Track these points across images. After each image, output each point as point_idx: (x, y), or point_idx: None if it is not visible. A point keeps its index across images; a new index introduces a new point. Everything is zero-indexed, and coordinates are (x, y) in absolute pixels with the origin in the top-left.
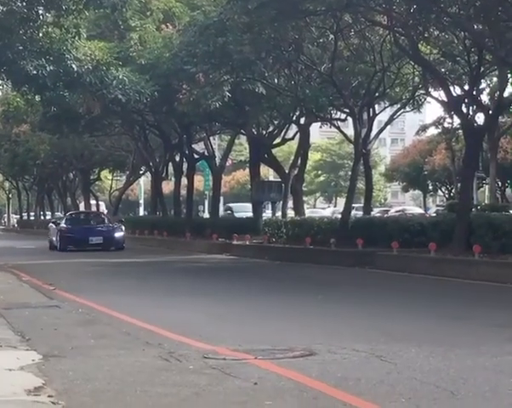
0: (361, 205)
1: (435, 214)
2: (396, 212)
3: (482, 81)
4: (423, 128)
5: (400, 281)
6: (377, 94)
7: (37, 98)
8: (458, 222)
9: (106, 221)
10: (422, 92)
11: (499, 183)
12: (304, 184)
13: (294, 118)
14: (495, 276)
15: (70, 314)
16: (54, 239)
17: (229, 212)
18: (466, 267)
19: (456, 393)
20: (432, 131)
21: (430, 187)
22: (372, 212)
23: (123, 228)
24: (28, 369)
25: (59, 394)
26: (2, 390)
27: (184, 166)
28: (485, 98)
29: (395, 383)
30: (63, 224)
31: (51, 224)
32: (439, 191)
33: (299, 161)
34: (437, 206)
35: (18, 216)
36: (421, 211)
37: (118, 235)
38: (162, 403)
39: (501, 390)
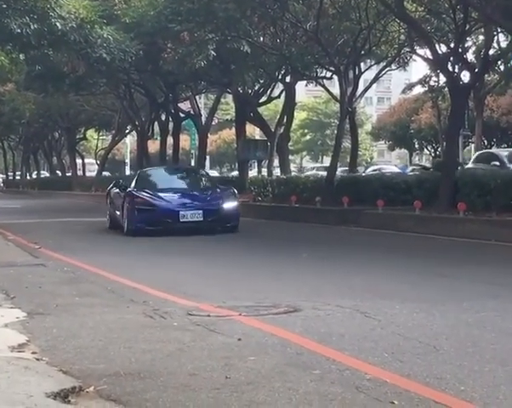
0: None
1: (411, 174)
2: (373, 171)
3: (468, 39)
4: (410, 87)
5: (385, 239)
6: (362, 52)
7: (22, 56)
8: (444, 180)
9: (206, 182)
10: (407, 50)
11: (485, 141)
12: (290, 143)
13: (280, 77)
14: (480, 234)
15: (55, 272)
16: (119, 213)
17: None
18: (451, 224)
19: (438, 348)
20: (418, 89)
21: (416, 146)
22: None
23: (236, 193)
24: (12, 326)
25: (42, 351)
26: None
27: (170, 125)
28: (470, 56)
29: (378, 339)
30: (134, 190)
31: (113, 188)
32: (425, 150)
33: (285, 120)
34: (413, 165)
35: (3, 176)
36: (398, 170)
37: (229, 206)
38: (145, 359)
39: (483, 345)
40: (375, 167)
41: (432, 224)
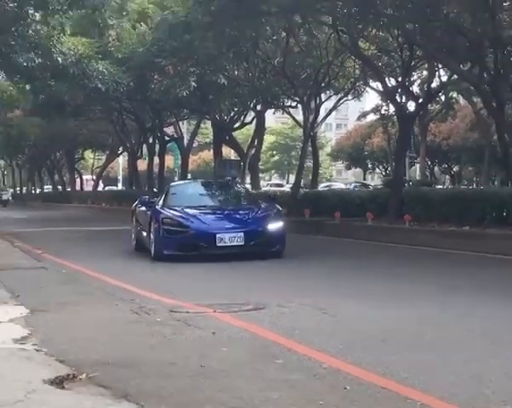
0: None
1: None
2: (324, 187)
3: (413, 73)
4: (364, 115)
5: (341, 246)
6: (323, 85)
7: (28, 86)
8: (392, 195)
9: (246, 198)
10: (361, 83)
11: (428, 162)
12: (260, 163)
13: (252, 105)
14: (423, 241)
15: (55, 274)
16: (145, 234)
17: None
18: (399, 234)
19: (386, 340)
20: (371, 117)
21: (370, 165)
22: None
23: (281, 210)
24: (16, 321)
25: (42, 343)
26: None
27: (157, 147)
28: (415, 88)
29: (334, 332)
30: (162, 208)
31: (138, 205)
32: (377, 169)
33: (256, 143)
34: (355, 182)
35: (12, 190)
36: (344, 186)
37: (275, 226)
38: (131, 350)
39: (425, 338)
40: (326, 184)
41: (382, 233)
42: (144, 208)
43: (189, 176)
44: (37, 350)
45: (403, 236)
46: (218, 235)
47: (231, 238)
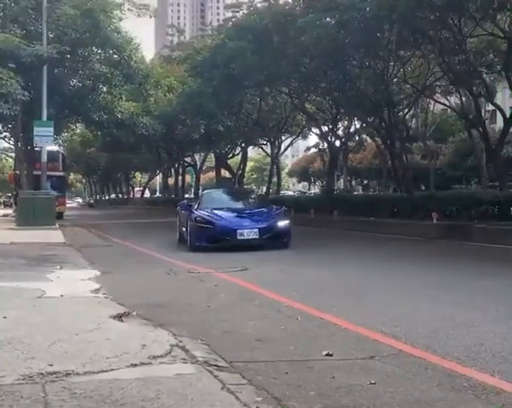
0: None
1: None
2: (282, 193)
3: (339, 123)
4: (308, 148)
5: (295, 231)
6: (283, 130)
7: (99, 133)
8: (326, 198)
9: (261, 202)
10: (306, 129)
11: (348, 178)
12: (244, 179)
13: (239, 144)
14: (344, 227)
15: (117, 250)
16: (185, 229)
17: None
18: (330, 222)
19: (322, 289)
20: (313, 150)
21: (312, 180)
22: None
23: (287, 211)
24: (92, 279)
25: (108, 292)
26: (78, 291)
27: (180, 170)
28: (340, 132)
29: (290, 283)
30: (196, 210)
31: (179, 208)
32: (317, 182)
33: (242, 167)
34: (297, 191)
35: (89, 197)
36: (292, 193)
37: (283, 223)
38: (164, 296)
39: (350, 287)
40: (282, 192)
41: (320, 222)
42: (183, 211)
43: (200, 188)
44: (106, 297)
45: (333, 224)
46: (238, 231)
47: (248, 233)
